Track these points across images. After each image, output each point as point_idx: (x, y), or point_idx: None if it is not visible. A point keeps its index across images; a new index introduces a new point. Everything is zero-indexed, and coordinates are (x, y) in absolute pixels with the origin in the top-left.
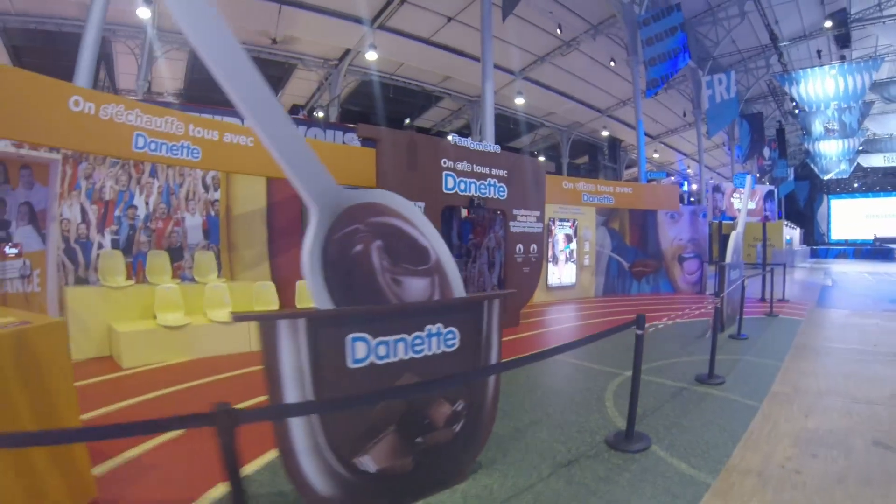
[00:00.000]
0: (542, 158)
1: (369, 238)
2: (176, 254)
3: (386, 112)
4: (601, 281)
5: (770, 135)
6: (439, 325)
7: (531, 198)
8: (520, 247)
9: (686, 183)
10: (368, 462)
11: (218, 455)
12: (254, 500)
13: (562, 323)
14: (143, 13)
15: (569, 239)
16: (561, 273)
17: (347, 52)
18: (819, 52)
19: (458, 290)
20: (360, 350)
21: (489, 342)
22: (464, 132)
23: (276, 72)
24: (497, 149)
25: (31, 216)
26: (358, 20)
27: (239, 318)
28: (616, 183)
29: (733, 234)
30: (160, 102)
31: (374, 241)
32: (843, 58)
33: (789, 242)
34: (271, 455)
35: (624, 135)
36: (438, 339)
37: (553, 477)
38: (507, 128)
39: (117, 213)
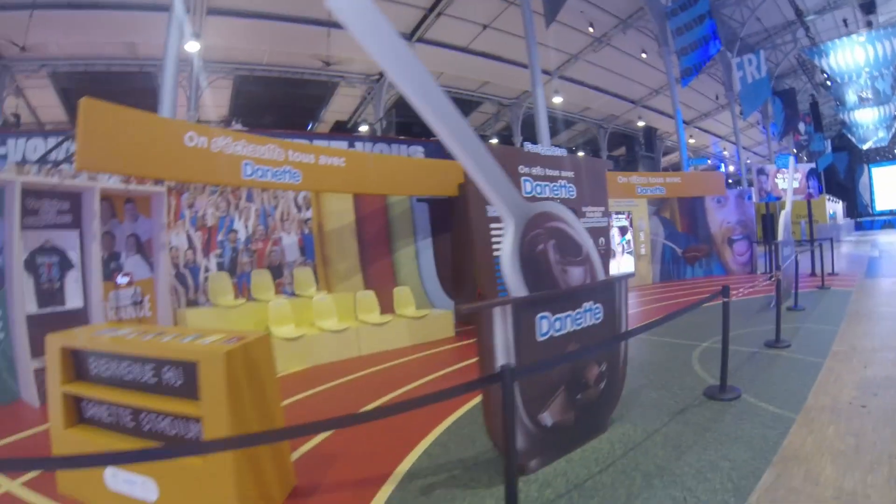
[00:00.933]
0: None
1: (546, 239)
2: (276, 271)
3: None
4: (657, 268)
5: (804, 109)
6: (591, 302)
7: (596, 195)
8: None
9: (723, 165)
10: (547, 417)
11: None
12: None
13: (634, 307)
14: (192, 46)
15: (624, 231)
16: (619, 264)
17: None
18: (845, 20)
19: (601, 274)
20: (545, 326)
21: (621, 314)
22: (503, 134)
23: (320, 91)
24: (564, 152)
25: (139, 246)
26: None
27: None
28: (666, 174)
29: (782, 214)
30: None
31: (550, 241)
32: (869, 24)
33: (833, 217)
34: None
35: (659, 123)
36: (590, 314)
37: (672, 422)
38: (553, 127)
39: (220, 237)
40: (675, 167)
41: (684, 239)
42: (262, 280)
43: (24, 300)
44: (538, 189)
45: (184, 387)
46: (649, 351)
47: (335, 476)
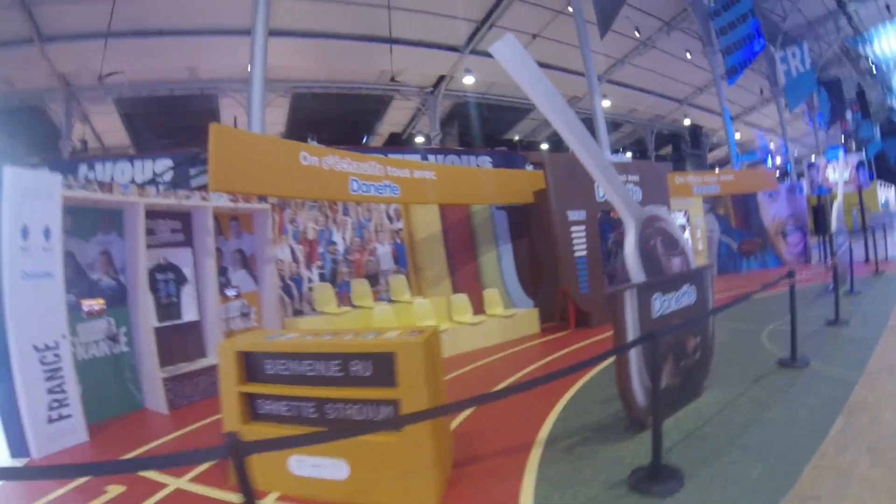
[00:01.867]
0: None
1: (655, 236)
2: (372, 280)
3: (480, 130)
4: (714, 262)
5: (850, 97)
6: (687, 285)
7: (659, 195)
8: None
9: (769, 158)
10: (661, 380)
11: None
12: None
13: None
14: None
15: (682, 229)
16: None
17: (442, 78)
18: (888, 6)
19: (692, 263)
20: (658, 305)
21: (708, 296)
22: (553, 139)
23: (375, 105)
24: (629, 158)
25: (244, 261)
26: (452, 48)
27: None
28: (719, 173)
29: (835, 205)
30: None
31: (657, 237)
32: None
33: (885, 205)
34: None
35: (704, 120)
36: (687, 295)
37: (754, 387)
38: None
39: (320, 249)
40: (722, 163)
41: (738, 234)
42: (361, 288)
43: (150, 315)
44: None
45: (375, 376)
46: (723, 334)
47: (484, 448)
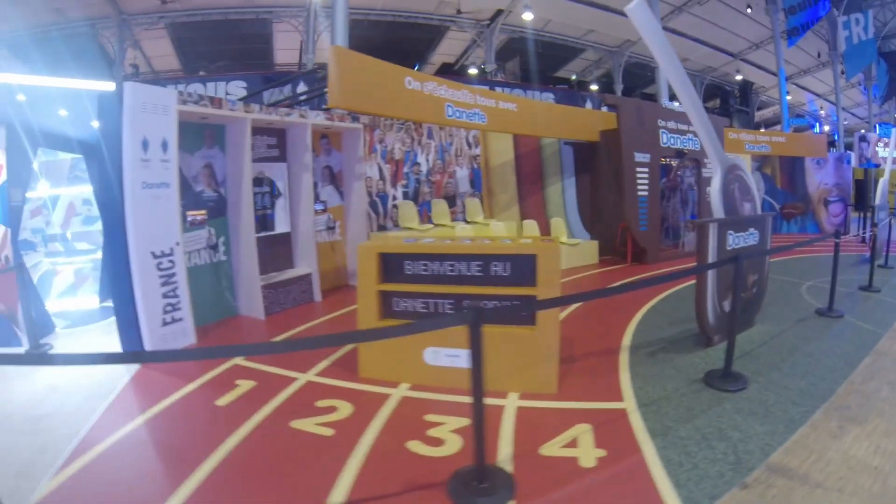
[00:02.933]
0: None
1: (734, 182)
2: (450, 201)
3: (535, 66)
4: None
5: None
6: (753, 228)
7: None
8: (708, 188)
9: (818, 125)
10: (726, 305)
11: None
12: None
13: None
14: None
15: None
16: None
17: (499, 12)
18: None
19: (759, 210)
20: (731, 240)
21: (767, 241)
22: (603, 80)
23: (430, 34)
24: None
25: (332, 177)
26: None
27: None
28: (772, 133)
29: (881, 181)
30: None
31: (736, 183)
32: None
33: None
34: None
35: (755, 77)
36: (753, 236)
37: (796, 325)
38: (645, 76)
39: (405, 169)
40: (768, 123)
41: (782, 195)
42: (440, 208)
43: (252, 226)
44: (671, 140)
45: (514, 276)
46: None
47: (579, 351)
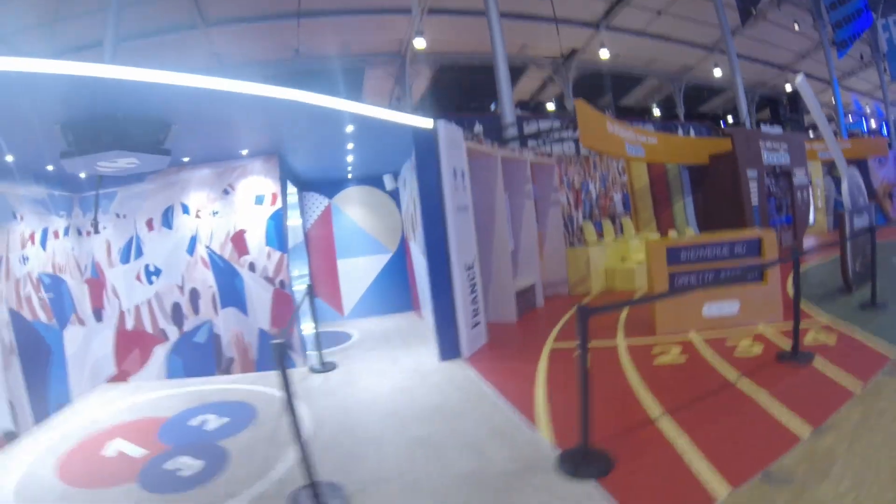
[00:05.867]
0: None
1: (857, 182)
2: (612, 220)
3: (600, 96)
4: (830, 219)
5: None
6: (865, 214)
7: (800, 160)
8: (799, 194)
9: (864, 121)
10: (857, 266)
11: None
12: None
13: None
14: (420, 43)
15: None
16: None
17: (574, 51)
18: None
19: (866, 200)
20: (856, 221)
21: (873, 220)
22: (665, 104)
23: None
24: (780, 131)
25: None
26: (586, 24)
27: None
28: (840, 141)
29: None
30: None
31: (855, 185)
32: None
33: None
34: None
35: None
36: (864, 219)
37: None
38: (700, 96)
39: (583, 196)
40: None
41: None
42: (607, 226)
43: (507, 242)
44: (769, 157)
45: (747, 252)
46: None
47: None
